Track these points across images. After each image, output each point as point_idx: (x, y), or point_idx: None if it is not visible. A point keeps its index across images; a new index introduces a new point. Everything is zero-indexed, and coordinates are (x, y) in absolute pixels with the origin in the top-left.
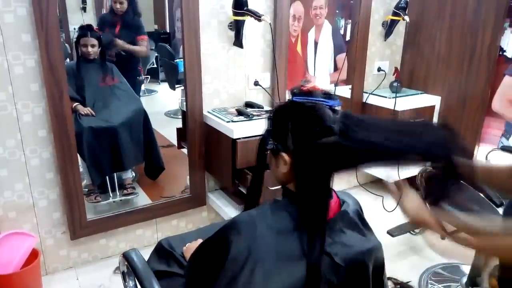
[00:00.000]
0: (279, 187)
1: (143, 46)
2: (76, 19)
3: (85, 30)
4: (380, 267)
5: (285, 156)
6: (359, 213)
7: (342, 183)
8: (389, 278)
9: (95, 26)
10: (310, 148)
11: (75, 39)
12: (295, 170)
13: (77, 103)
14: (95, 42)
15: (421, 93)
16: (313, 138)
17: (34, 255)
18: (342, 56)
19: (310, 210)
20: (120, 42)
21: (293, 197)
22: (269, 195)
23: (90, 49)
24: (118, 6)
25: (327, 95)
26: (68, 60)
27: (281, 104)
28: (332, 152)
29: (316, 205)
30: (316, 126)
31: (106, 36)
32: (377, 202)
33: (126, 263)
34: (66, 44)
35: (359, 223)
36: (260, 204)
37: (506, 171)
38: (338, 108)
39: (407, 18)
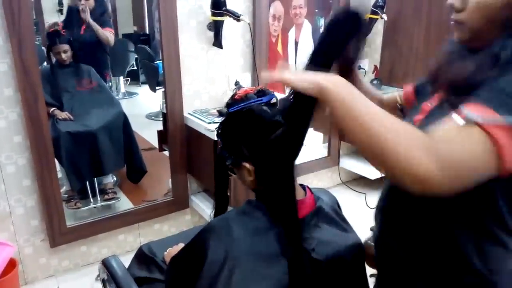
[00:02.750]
0: None
1: (110, 36)
2: (53, 22)
3: (53, 37)
4: (361, 262)
5: (246, 164)
6: (336, 208)
7: (326, 180)
8: (372, 275)
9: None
10: (263, 148)
11: (45, 48)
12: (258, 174)
13: (54, 108)
14: (67, 47)
15: (401, 90)
16: (262, 138)
17: (12, 264)
18: None
19: (279, 207)
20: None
21: (264, 196)
22: (252, 195)
23: (63, 55)
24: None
25: (261, 93)
26: (45, 63)
27: (223, 119)
28: (284, 141)
29: (284, 201)
30: (260, 127)
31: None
32: (360, 199)
33: (106, 270)
34: (43, 47)
35: (337, 219)
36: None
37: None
38: (274, 101)
39: (385, 16)
